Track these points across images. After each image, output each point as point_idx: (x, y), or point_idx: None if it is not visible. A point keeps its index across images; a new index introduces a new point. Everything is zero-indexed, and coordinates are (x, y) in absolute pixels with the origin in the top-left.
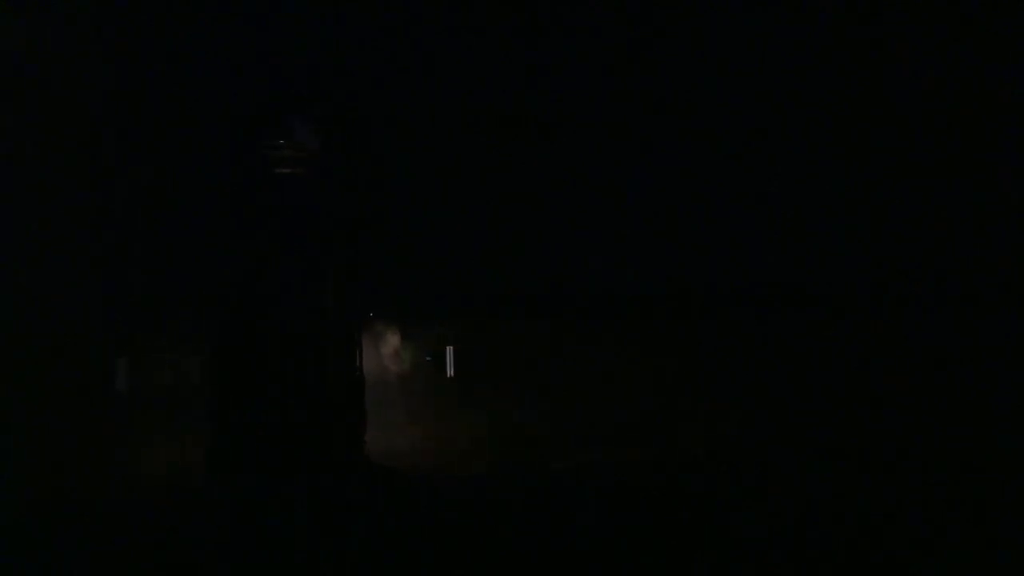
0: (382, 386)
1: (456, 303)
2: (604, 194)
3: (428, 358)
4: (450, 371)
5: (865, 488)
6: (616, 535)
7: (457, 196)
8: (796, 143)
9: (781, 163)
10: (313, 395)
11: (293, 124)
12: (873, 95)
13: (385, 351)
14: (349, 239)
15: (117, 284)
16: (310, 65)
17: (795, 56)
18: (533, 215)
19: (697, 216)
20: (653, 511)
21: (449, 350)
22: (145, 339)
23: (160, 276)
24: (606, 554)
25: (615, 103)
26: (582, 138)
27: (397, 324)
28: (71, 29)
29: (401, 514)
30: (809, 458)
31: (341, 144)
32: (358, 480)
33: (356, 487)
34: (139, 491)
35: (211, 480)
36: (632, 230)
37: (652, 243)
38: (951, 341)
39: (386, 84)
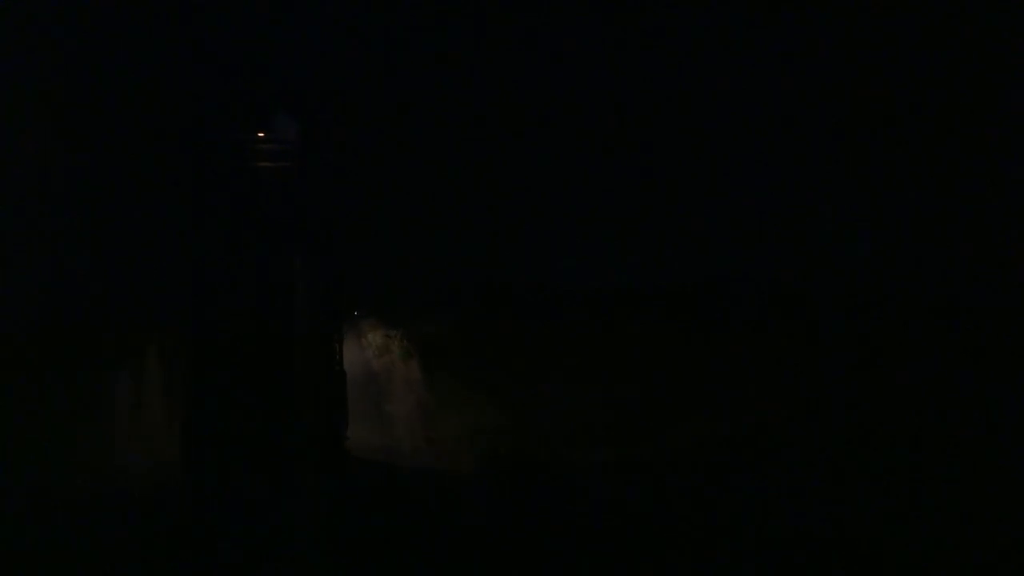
0: (365, 384)
1: (441, 301)
2: (594, 191)
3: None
4: None
5: (864, 488)
6: (611, 531)
7: (444, 193)
8: (794, 144)
9: (779, 163)
10: (294, 392)
11: (275, 118)
12: (873, 96)
13: (369, 349)
14: (331, 235)
15: (97, 282)
16: (292, 60)
17: (795, 58)
18: (518, 213)
19: (696, 216)
20: (649, 508)
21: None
22: (125, 337)
23: (140, 273)
24: (595, 550)
25: (610, 101)
26: (571, 134)
27: (381, 322)
28: (55, 25)
29: (383, 511)
30: (807, 457)
31: (323, 139)
32: (339, 477)
33: (337, 484)
34: (120, 488)
35: (193, 477)
36: (623, 229)
37: (643, 242)
38: (951, 341)
39: (369, 79)
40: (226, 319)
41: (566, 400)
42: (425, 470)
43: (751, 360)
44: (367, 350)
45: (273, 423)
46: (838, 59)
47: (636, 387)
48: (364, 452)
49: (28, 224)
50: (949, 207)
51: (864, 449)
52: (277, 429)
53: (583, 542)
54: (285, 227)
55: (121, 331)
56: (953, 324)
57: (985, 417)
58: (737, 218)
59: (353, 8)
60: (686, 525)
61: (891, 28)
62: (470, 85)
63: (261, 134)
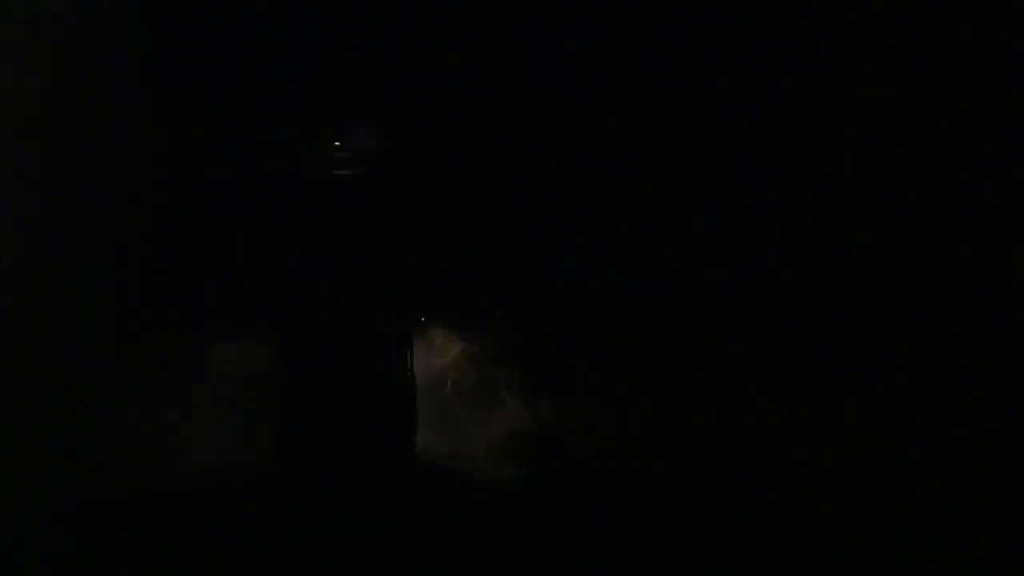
0: (430, 388)
1: (507, 304)
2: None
3: None
4: None
5: (864, 488)
6: (611, 531)
7: (510, 201)
8: (794, 144)
9: (778, 163)
10: (366, 395)
11: (351, 127)
12: (873, 96)
13: (434, 354)
14: (403, 241)
15: (176, 281)
16: (367, 69)
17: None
18: (585, 218)
19: (708, 220)
20: (649, 508)
21: None
22: (200, 337)
23: (218, 274)
24: (595, 550)
25: (659, 113)
26: (632, 147)
27: (447, 327)
28: (129, 30)
29: (448, 512)
30: (807, 457)
31: (400, 147)
32: (408, 478)
33: (406, 484)
34: (196, 485)
35: (263, 476)
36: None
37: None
38: (951, 341)
39: (441, 90)
40: (303, 325)
41: (599, 402)
42: (480, 475)
43: (751, 360)
44: (433, 355)
45: (348, 426)
46: (838, 59)
47: (637, 388)
48: (428, 456)
49: (120, 228)
50: (949, 207)
51: (864, 449)
52: (352, 432)
53: (583, 542)
54: (359, 233)
55: (201, 333)
56: (953, 324)
57: (985, 417)
58: (738, 217)
59: (435, 21)
60: (686, 525)
61: (891, 28)
62: (542, 97)
63: (338, 144)
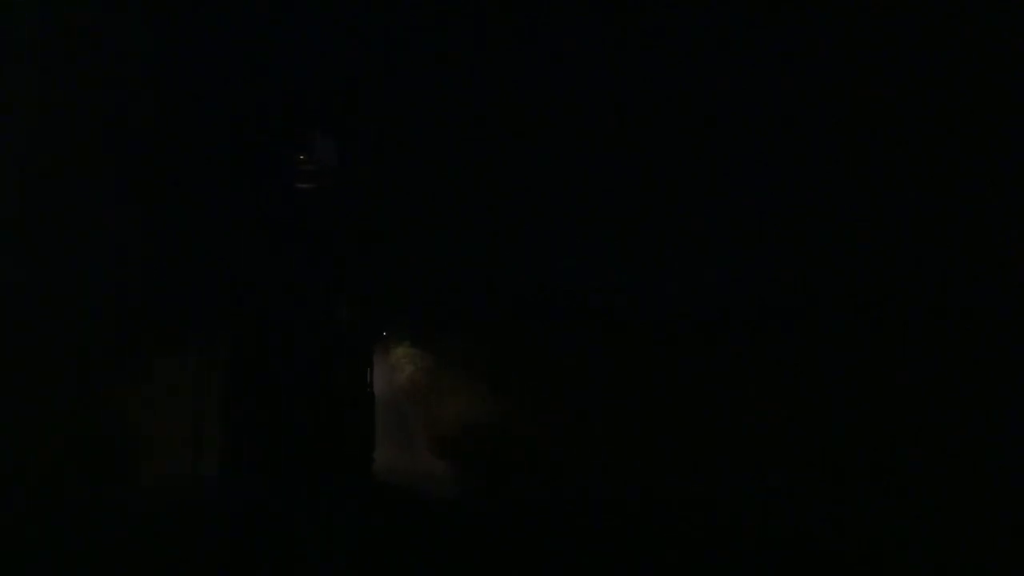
0: (391, 404)
1: (468, 318)
2: (612, 199)
3: None
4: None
5: (864, 488)
6: (611, 531)
7: (472, 214)
8: (792, 144)
9: (778, 164)
10: (324, 411)
11: (313, 140)
12: (874, 97)
13: (396, 369)
14: (364, 255)
15: (140, 294)
16: (331, 81)
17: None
18: (549, 230)
19: (718, 233)
20: (649, 508)
21: None
22: (162, 348)
23: (179, 287)
24: (595, 550)
25: (647, 125)
26: (601, 152)
27: (410, 342)
28: (98, 39)
29: (405, 528)
30: (807, 457)
31: (359, 161)
32: (365, 494)
33: (363, 501)
34: (148, 496)
35: (220, 489)
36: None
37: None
38: (951, 341)
39: (405, 103)
40: (263, 339)
41: (574, 404)
42: (442, 487)
43: (751, 361)
44: (394, 370)
45: (306, 441)
46: (838, 60)
47: (636, 388)
48: (387, 474)
49: (81, 237)
50: (949, 207)
51: (864, 449)
52: (310, 448)
53: (583, 542)
54: (323, 247)
55: (162, 345)
56: (953, 324)
57: (985, 417)
58: (738, 218)
59: (395, 32)
60: (686, 525)
61: (891, 28)
62: (509, 104)
63: (301, 156)
